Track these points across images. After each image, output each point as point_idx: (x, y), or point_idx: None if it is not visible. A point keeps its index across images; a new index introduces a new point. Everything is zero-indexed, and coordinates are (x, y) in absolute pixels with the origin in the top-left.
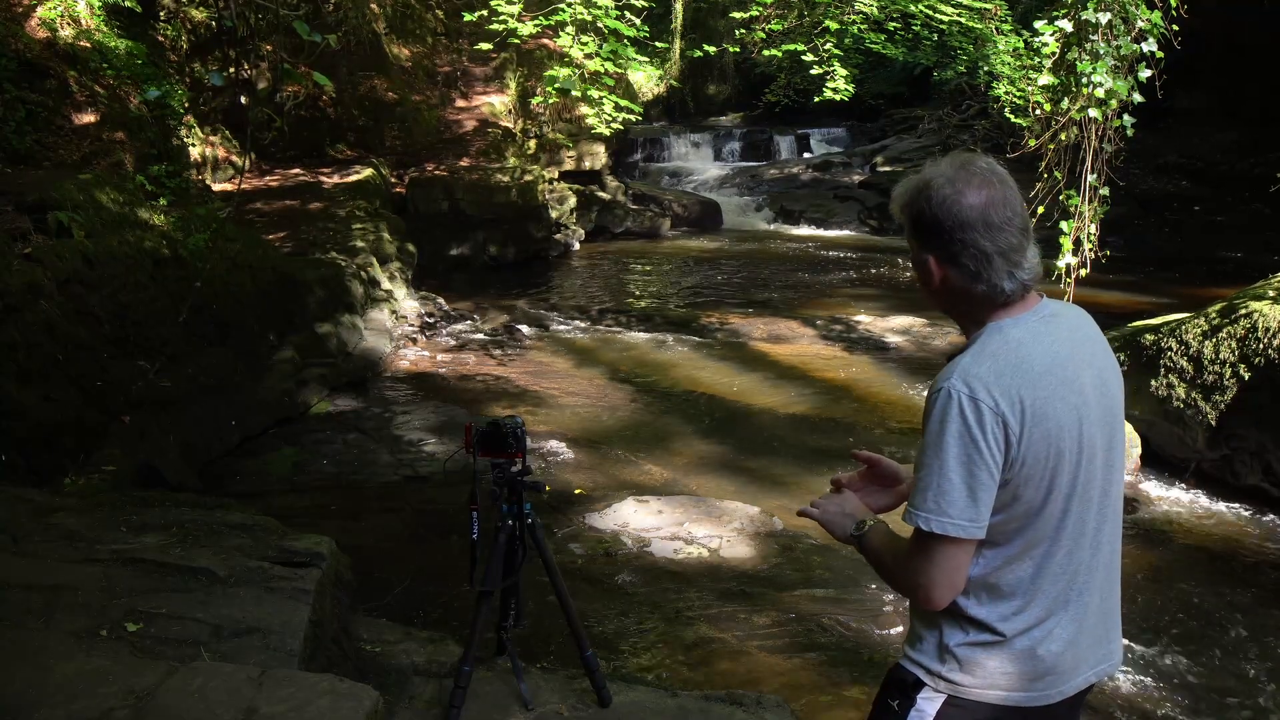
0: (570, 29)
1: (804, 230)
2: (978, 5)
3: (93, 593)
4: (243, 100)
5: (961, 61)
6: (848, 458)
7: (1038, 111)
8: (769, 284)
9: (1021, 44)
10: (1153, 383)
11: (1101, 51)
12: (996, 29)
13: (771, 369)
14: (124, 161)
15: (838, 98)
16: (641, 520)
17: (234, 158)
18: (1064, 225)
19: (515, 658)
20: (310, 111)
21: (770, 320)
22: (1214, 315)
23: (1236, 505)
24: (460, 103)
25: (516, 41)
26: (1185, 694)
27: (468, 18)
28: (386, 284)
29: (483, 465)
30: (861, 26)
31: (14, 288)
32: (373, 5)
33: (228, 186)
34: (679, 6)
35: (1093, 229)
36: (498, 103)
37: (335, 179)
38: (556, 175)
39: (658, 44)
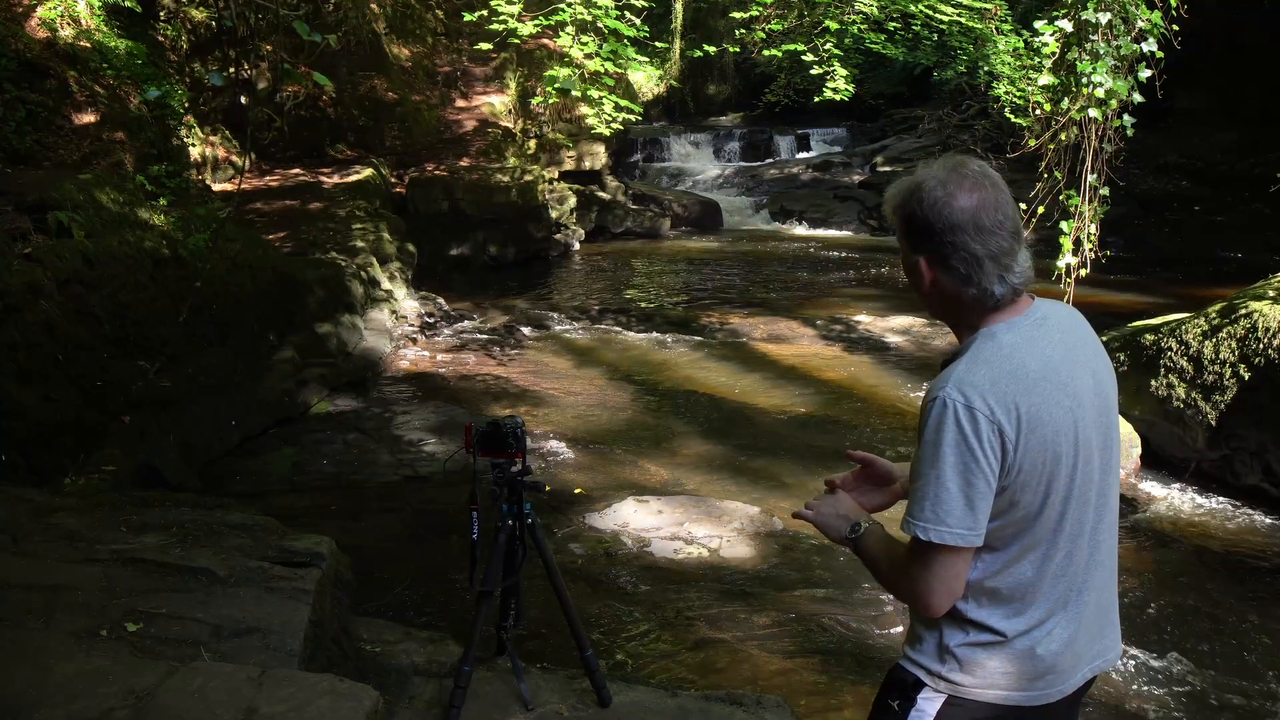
0: (570, 29)
1: (804, 230)
2: (978, 5)
3: (93, 593)
4: (243, 100)
5: (961, 61)
6: (845, 457)
7: (1038, 111)
8: (769, 284)
9: (1021, 44)
10: (1153, 383)
11: (1101, 51)
12: (996, 29)
13: (771, 369)
14: (124, 161)
15: (838, 98)
16: (641, 520)
17: (234, 158)
18: (1064, 225)
19: (515, 658)
20: (310, 111)
21: (770, 320)
22: (1214, 315)
23: (1236, 505)
24: (460, 103)
25: (516, 41)
26: (1185, 694)
27: (468, 18)
28: (386, 284)
29: (483, 465)
30: (861, 26)
31: (14, 288)
32: (373, 5)
33: (228, 186)
34: (679, 6)
35: (1093, 229)
36: (498, 103)
37: (335, 179)
38: (556, 175)
39: (658, 44)
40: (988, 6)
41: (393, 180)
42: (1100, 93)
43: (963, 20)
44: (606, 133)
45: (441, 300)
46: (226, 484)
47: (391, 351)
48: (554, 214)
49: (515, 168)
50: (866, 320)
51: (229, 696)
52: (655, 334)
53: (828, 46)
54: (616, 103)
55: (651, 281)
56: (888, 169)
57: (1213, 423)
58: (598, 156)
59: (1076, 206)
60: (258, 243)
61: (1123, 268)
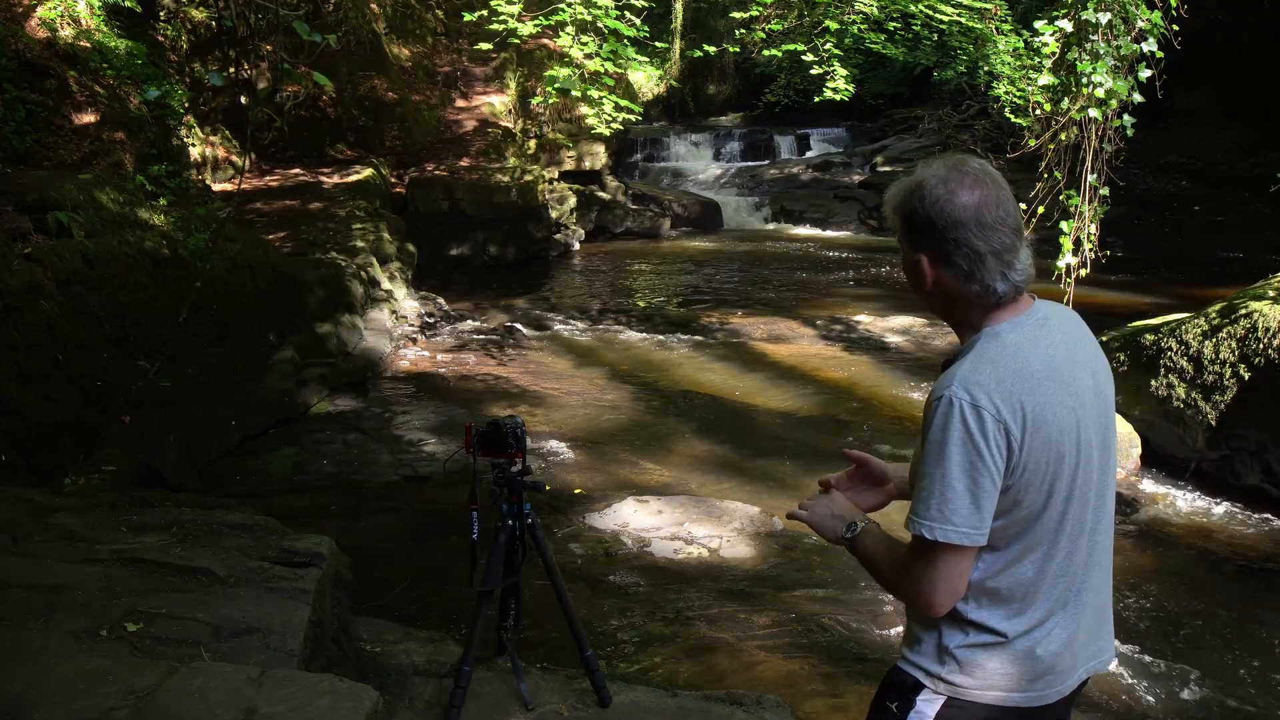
0: (570, 29)
1: (804, 230)
2: (978, 5)
3: (93, 593)
4: (243, 100)
5: (961, 61)
6: (841, 456)
7: (1038, 111)
8: (769, 284)
9: (1021, 44)
10: (1153, 383)
11: (1101, 51)
12: (996, 29)
13: (771, 369)
14: (124, 161)
15: (838, 98)
16: (641, 520)
17: (234, 158)
18: (1064, 225)
19: (515, 658)
20: (310, 111)
21: (770, 320)
22: (1214, 315)
23: (1236, 505)
24: (460, 103)
25: (516, 41)
26: (1185, 694)
27: (468, 18)
28: (386, 284)
29: (483, 465)
30: (861, 26)
31: (14, 288)
32: (373, 5)
33: (228, 186)
34: (679, 6)
35: (1093, 229)
36: (498, 103)
37: (335, 179)
38: (556, 175)
39: (658, 44)
40: (988, 6)
41: (393, 180)
42: (1100, 93)
43: (963, 20)
44: (606, 133)
45: (441, 300)
46: (226, 484)
47: (391, 351)
48: (554, 214)
49: (515, 168)
50: (866, 320)
51: (229, 696)
52: (655, 334)
53: (828, 46)
54: (616, 103)
55: (651, 281)
56: (888, 169)
57: (1213, 423)
58: (598, 156)
59: (1076, 206)
60: (258, 243)
61: (1123, 268)
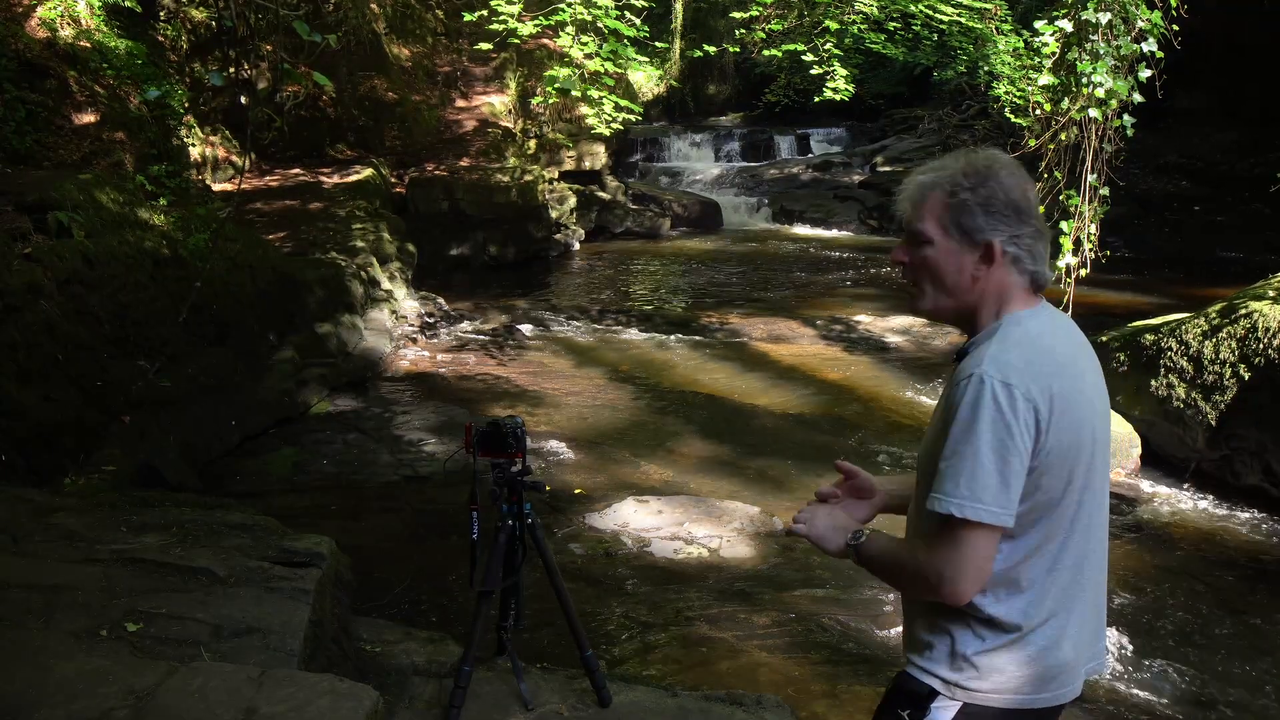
0: (570, 29)
1: (804, 230)
2: (978, 5)
3: (93, 593)
4: (243, 100)
5: (961, 61)
6: (848, 457)
7: (1038, 111)
8: (769, 284)
9: (1021, 44)
10: (1153, 383)
11: (1101, 51)
12: (996, 29)
13: (771, 369)
14: (124, 161)
15: (838, 98)
16: (641, 520)
17: (234, 158)
18: (1064, 225)
19: (515, 658)
20: (310, 111)
21: (770, 320)
22: (1214, 315)
23: (1236, 505)
24: (460, 103)
25: (516, 41)
26: (1185, 694)
27: (468, 18)
28: (386, 284)
29: (483, 465)
30: (861, 26)
31: (14, 288)
32: (373, 5)
33: (228, 186)
34: (679, 6)
35: (1093, 229)
36: (498, 103)
37: (335, 179)
38: (556, 175)
39: (658, 44)
40: (988, 6)
41: (393, 180)
42: (1100, 93)
43: (963, 20)
44: (606, 133)
45: (441, 300)
46: (226, 484)
47: (391, 351)
48: (554, 214)
49: (515, 168)
50: (866, 320)
51: (229, 696)
52: (655, 334)
53: (828, 46)
54: (616, 103)
55: (651, 281)
56: (888, 169)
57: (1213, 423)
58: (598, 156)
59: (1076, 206)
60: (258, 243)
61: (1123, 268)
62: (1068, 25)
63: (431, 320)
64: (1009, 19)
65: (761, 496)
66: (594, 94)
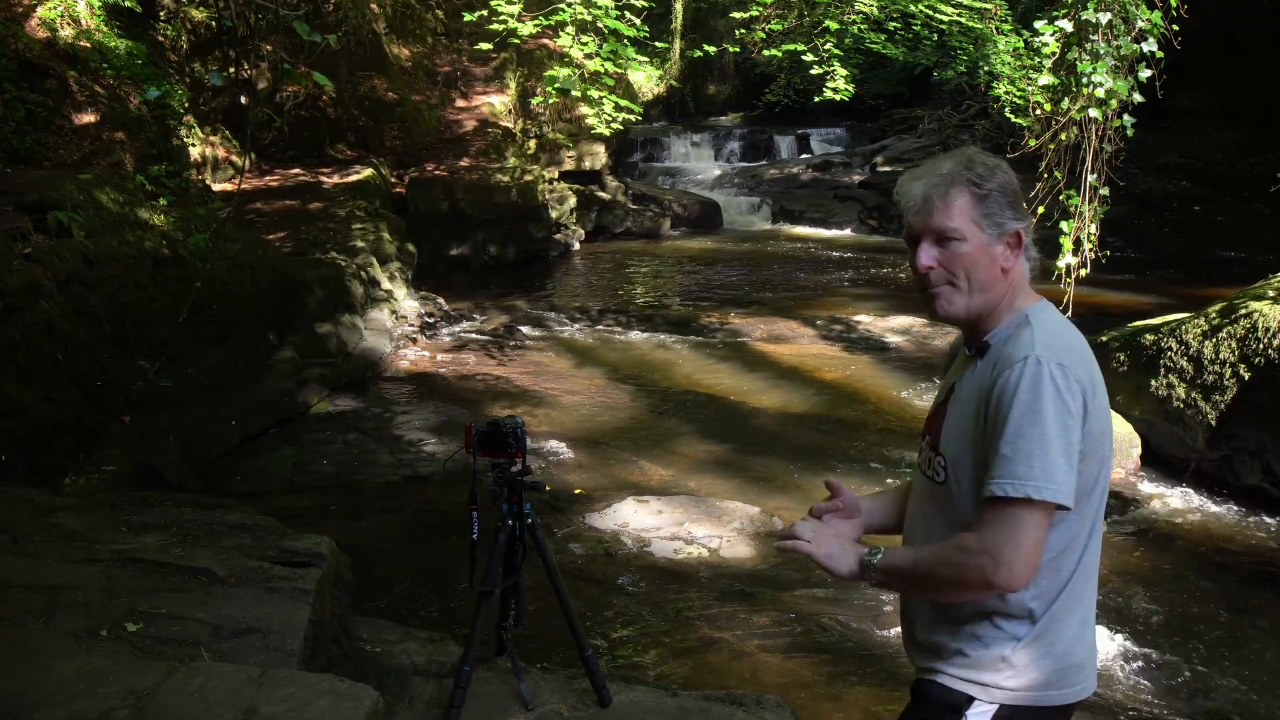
0: (570, 29)
1: (804, 230)
2: (978, 5)
3: (93, 593)
4: (243, 100)
5: (961, 61)
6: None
7: (1038, 111)
8: (769, 284)
9: (1021, 44)
10: (1153, 383)
11: (1101, 51)
12: (996, 29)
13: (771, 369)
14: (124, 161)
15: (838, 98)
16: (641, 520)
17: (234, 158)
18: (1064, 225)
19: (515, 658)
20: (310, 111)
21: (770, 320)
22: (1214, 315)
23: (1236, 505)
24: (460, 103)
25: (516, 41)
26: (1185, 694)
27: (468, 18)
28: (386, 284)
29: (483, 465)
30: (861, 26)
31: (14, 288)
32: (373, 5)
33: (228, 186)
34: (679, 6)
35: (1093, 229)
36: (498, 103)
37: (335, 179)
38: (556, 175)
39: (658, 44)
40: (988, 6)
41: (393, 180)
42: (1100, 93)
43: (963, 20)
44: (606, 133)
45: (441, 300)
46: (226, 484)
47: (391, 351)
48: (554, 214)
49: (515, 168)
50: (866, 320)
51: (229, 696)
52: (655, 334)
53: (828, 46)
54: (616, 103)
55: (651, 281)
56: (888, 169)
57: (1213, 423)
58: (598, 156)
59: (1076, 206)
60: (258, 243)
61: (1123, 268)
62: (1068, 25)
63: (431, 320)
64: (1009, 19)
65: (761, 496)
66: (594, 94)
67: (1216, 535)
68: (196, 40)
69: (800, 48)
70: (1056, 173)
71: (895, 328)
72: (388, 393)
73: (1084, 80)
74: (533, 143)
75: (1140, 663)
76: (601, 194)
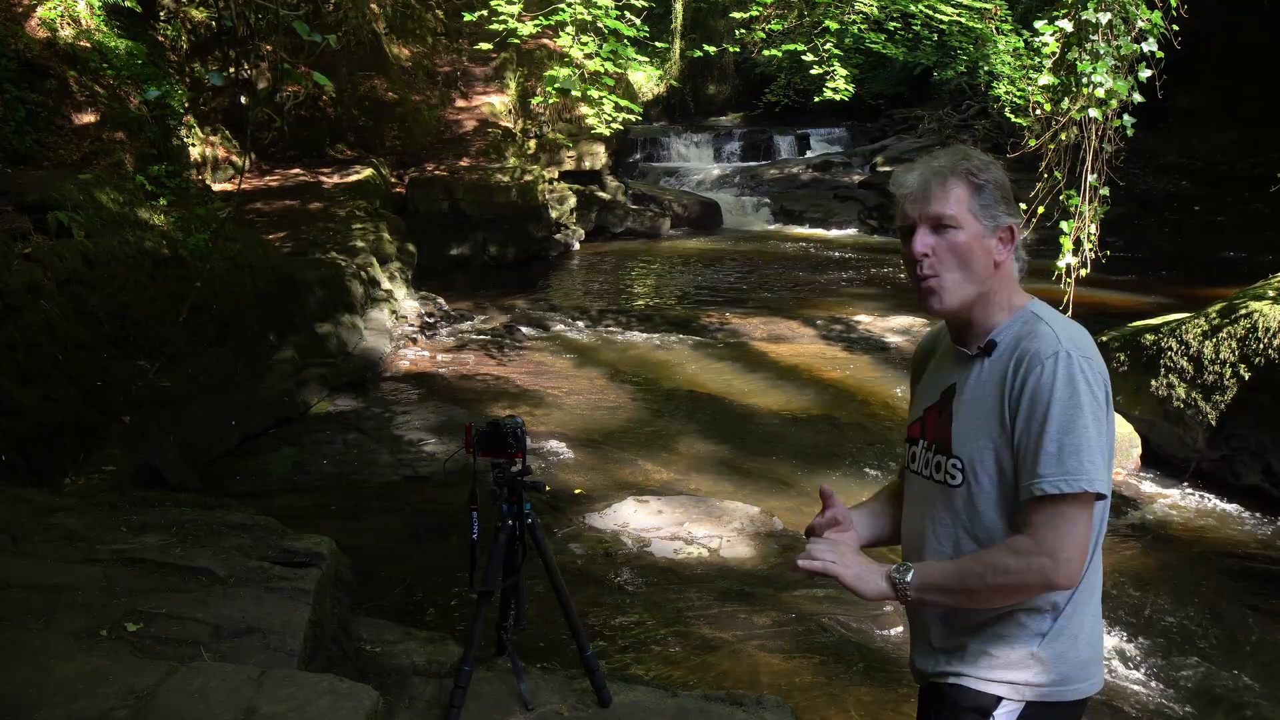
0: (570, 29)
1: (804, 230)
2: (978, 5)
3: (93, 593)
4: (243, 100)
5: (961, 61)
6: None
7: (1038, 111)
8: (769, 284)
9: (1021, 44)
10: (1153, 383)
11: (1102, 51)
12: (996, 29)
13: (771, 369)
14: (124, 161)
15: (838, 98)
16: (641, 520)
17: (234, 158)
18: (1064, 225)
19: (515, 658)
20: (310, 111)
21: (770, 320)
22: (1214, 315)
23: (1236, 505)
24: (460, 103)
25: (516, 41)
26: (1185, 693)
27: (468, 18)
28: (386, 284)
29: (483, 465)
30: (861, 26)
31: (14, 288)
32: (373, 5)
33: (228, 186)
34: (679, 6)
35: (1093, 229)
36: (498, 103)
37: (335, 179)
38: (556, 175)
39: (658, 44)
40: (988, 6)
41: (393, 180)
42: (1100, 93)
43: (963, 20)
44: (606, 133)
45: (441, 300)
46: (226, 484)
47: (391, 351)
48: (554, 214)
49: (515, 168)
50: (866, 320)
51: (229, 696)
52: (655, 334)
53: (828, 46)
54: (616, 103)
55: (651, 281)
56: (888, 169)
57: (1213, 423)
58: (598, 156)
59: (1076, 206)
60: (258, 243)
61: (1123, 268)
62: (1068, 25)
63: (431, 320)
64: (1009, 19)
65: (761, 496)
66: (594, 94)
67: (1216, 535)
68: (196, 40)
69: (800, 48)
70: (1056, 173)
71: (895, 328)
72: (388, 393)
73: (1084, 80)
74: (533, 143)
75: (1140, 662)
76: (601, 194)
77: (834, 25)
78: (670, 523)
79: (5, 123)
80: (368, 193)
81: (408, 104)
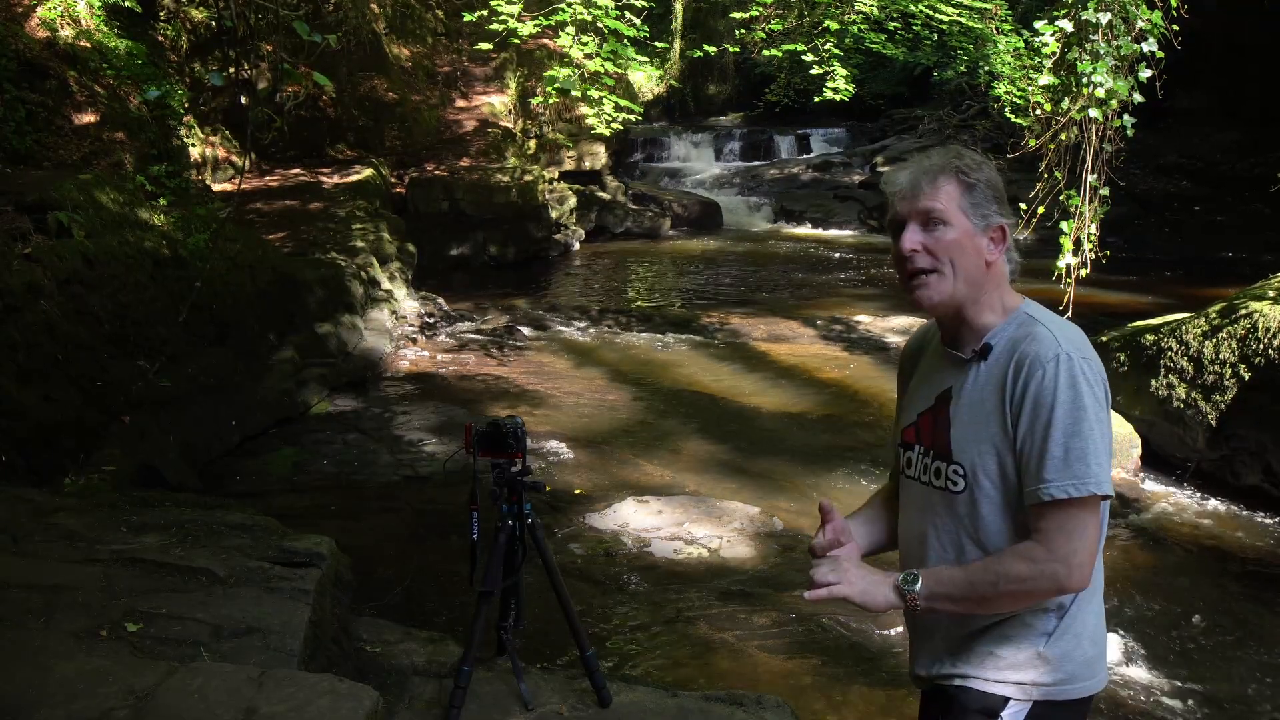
0: (570, 29)
1: (804, 230)
2: (978, 5)
3: (93, 593)
4: (243, 100)
5: (961, 61)
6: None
7: (1038, 111)
8: (769, 284)
9: (1021, 44)
10: (1153, 383)
11: (1102, 51)
12: (997, 29)
13: (771, 369)
14: (124, 161)
15: (838, 98)
16: (641, 520)
17: (234, 158)
18: (1064, 225)
19: (515, 658)
20: (310, 111)
21: (770, 320)
22: (1214, 315)
23: (1236, 505)
24: (460, 103)
25: (516, 41)
26: (1184, 694)
27: (468, 18)
28: (386, 284)
29: (483, 465)
30: (861, 26)
31: (14, 288)
32: (373, 5)
33: (228, 186)
34: (679, 6)
35: (1093, 229)
36: (498, 103)
37: (335, 179)
38: (556, 175)
39: (658, 44)
40: (988, 6)
41: (393, 180)
42: (1100, 93)
43: (963, 20)
44: (606, 133)
45: (441, 300)
46: (226, 484)
47: (391, 351)
48: (554, 214)
49: (515, 168)
50: (866, 320)
51: (229, 696)
52: (655, 334)
53: (828, 46)
54: (616, 103)
55: (651, 281)
56: (888, 169)
57: (1213, 423)
58: (598, 156)
59: (1076, 206)
60: (258, 243)
61: (1123, 268)
62: (1068, 25)
63: (431, 320)
64: (1009, 19)
65: (761, 496)
66: (594, 94)
67: (1216, 535)
68: (196, 40)
69: (800, 48)
70: (1056, 173)
71: (895, 328)
72: (388, 393)
73: (1084, 80)
74: (533, 143)
75: (1139, 662)
76: (601, 194)
77: (834, 25)
78: (670, 523)
79: (5, 123)
80: (368, 193)
81: (408, 104)
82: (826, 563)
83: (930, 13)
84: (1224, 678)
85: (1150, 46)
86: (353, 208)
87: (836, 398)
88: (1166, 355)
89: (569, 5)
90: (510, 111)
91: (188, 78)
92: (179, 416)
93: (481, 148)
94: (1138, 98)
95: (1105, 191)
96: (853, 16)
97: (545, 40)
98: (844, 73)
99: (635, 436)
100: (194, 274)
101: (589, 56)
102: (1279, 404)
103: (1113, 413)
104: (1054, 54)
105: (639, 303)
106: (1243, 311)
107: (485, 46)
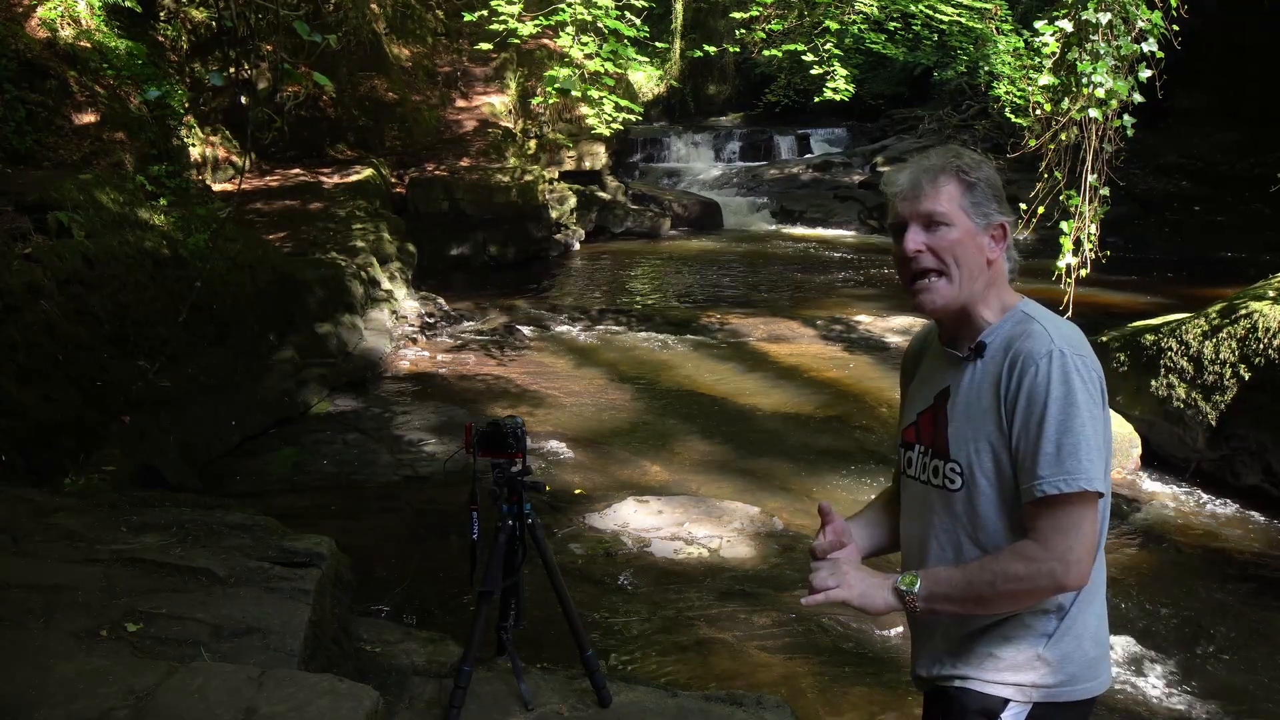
0: (570, 29)
1: (804, 230)
2: (978, 5)
3: (93, 593)
4: (243, 100)
5: (961, 61)
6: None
7: (1038, 111)
8: (769, 284)
9: (1021, 44)
10: (1153, 383)
11: (1102, 51)
12: (997, 29)
13: (771, 369)
14: (124, 161)
15: (838, 98)
16: (641, 520)
17: (234, 158)
18: (1064, 225)
19: (515, 658)
20: (310, 111)
21: (770, 320)
22: (1214, 315)
23: (1236, 505)
24: (460, 103)
25: (516, 41)
26: (1184, 694)
27: (468, 18)
28: (386, 284)
29: (483, 465)
30: (861, 26)
31: (14, 288)
32: (373, 5)
33: (228, 186)
34: (679, 6)
35: (1093, 229)
36: (498, 103)
37: (335, 179)
38: (556, 175)
39: (658, 44)
40: (988, 6)
41: (393, 180)
42: (1100, 93)
43: (963, 20)
44: (606, 133)
45: (441, 300)
46: (226, 484)
47: (391, 351)
48: (554, 214)
49: (515, 168)
50: (866, 320)
51: (229, 696)
52: (655, 334)
53: (828, 46)
54: (616, 103)
55: (651, 281)
56: (888, 169)
57: (1213, 423)
58: (598, 156)
59: (1076, 206)
60: (258, 243)
61: (1123, 268)
62: (1068, 25)
63: (431, 320)
64: (1009, 19)
65: (761, 496)
66: (594, 94)
67: (1216, 535)
68: (196, 40)
69: (800, 48)
70: (1056, 173)
71: (895, 328)
72: (388, 393)
73: (1084, 80)
74: (533, 143)
75: (1140, 663)
76: (601, 194)
77: (834, 25)
78: (670, 523)
79: (5, 123)
80: (368, 193)
81: (408, 104)
82: (825, 566)
83: (930, 13)
84: (1224, 677)
85: (1150, 46)
86: (353, 208)
87: (836, 398)
88: (1166, 355)
89: (569, 5)
90: (510, 111)
91: (188, 78)
92: (179, 416)
93: (481, 148)
94: (1138, 98)
95: (1105, 191)
96: (853, 16)
97: (545, 40)
98: (844, 73)
99: (635, 436)
100: (194, 274)
101: (589, 56)
102: (1279, 404)
103: (1113, 413)
104: (1054, 54)
105: (639, 303)
106: (1243, 311)
107: (485, 46)
